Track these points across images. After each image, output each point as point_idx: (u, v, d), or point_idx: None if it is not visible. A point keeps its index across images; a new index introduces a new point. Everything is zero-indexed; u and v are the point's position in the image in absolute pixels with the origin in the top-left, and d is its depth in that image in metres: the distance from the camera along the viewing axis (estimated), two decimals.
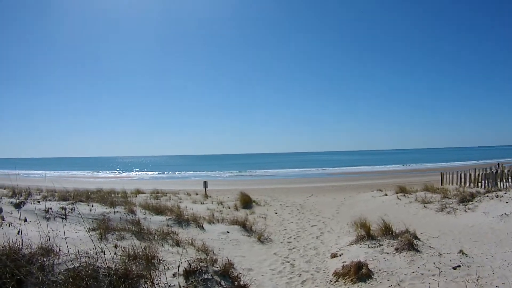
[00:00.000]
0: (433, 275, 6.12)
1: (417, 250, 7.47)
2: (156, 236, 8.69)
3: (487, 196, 13.80)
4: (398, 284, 5.76)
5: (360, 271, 6.24)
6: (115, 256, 6.33)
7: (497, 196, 13.44)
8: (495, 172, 18.97)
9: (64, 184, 21.48)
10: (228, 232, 10.26)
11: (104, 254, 6.17)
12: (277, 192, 22.33)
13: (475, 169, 21.37)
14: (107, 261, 5.43)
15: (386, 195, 17.96)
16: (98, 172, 63.80)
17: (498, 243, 8.68)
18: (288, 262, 7.87)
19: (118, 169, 73.07)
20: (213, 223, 11.30)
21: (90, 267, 4.91)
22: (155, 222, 10.42)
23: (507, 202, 12.48)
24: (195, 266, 5.94)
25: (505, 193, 13.78)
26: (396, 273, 6.27)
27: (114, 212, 11.20)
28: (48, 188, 17.65)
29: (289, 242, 9.70)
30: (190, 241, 8.52)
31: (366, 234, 8.58)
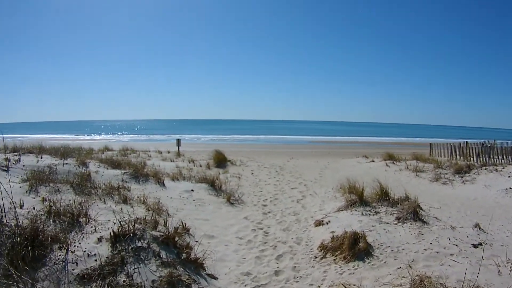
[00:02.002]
0: (451, 254, 4.56)
1: (423, 221, 5.94)
2: (99, 191, 6.89)
3: (485, 169, 12.55)
4: (410, 266, 4.15)
5: (356, 246, 4.61)
6: (32, 211, 4.65)
7: (496, 170, 12.19)
8: (490, 146, 17.83)
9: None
10: (192, 190, 8.52)
11: (22, 208, 4.73)
12: (256, 154, 20.62)
13: (466, 142, 20.20)
14: (17, 218, 3.88)
15: (373, 161, 16.54)
16: (80, 135, 61.01)
17: (510, 219, 7.30)
18: (261, 229, 6.21)
19: (100, 132, 70.19)
20: (177, 180, 9.51)
21: None
22: (108, 176, 8.62)
23: (509, 177, 11.23)
24: (128, 229, 4.16)
25: (503, 167, 12.58)
26: (403, 250, 4.68)
27: (63, 164, 9.26)
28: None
29: (264, 206, 8.04)
30: (142, 199, 6.82)
31: (358, 198, 6.98)
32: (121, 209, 5.97)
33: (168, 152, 18.33)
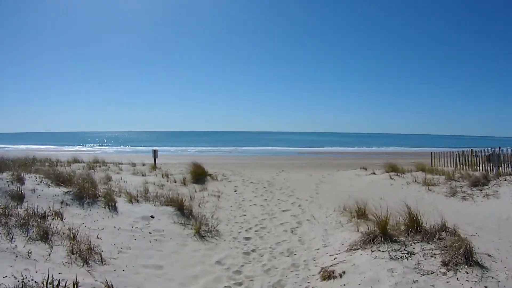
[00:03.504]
0: None
1: (481, 266, 3.96)
2: (13, 219, 4.87)
3: (506, 181, 10.73)
4: None
5: None
6: None
7: None
8: (499, 154, 16.18)
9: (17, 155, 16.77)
10: (152, 217, 6.40)
11: None
12: (241, 167, 18.49)
13: (471, 149, 18.47)
14: None
15: (374, 173, 14.59)
16: (68, 146, 58.58)
17: None
18: (240, 285, 4.10)
19: (87, 144, 67.70)
20: (137, 201, 7.36)
21: None
22: (46, 196, 6.57)
23: None
24: None
25: None
26: None
27: None
28: None
29: (247, 239, 5.93)
30: (71, 233, 4.71)
31: (379, 231, 4.96)
32: (30, 252, 3.98)
33: (143, 165, 16.09)
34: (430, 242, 4.73)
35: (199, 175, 12.12)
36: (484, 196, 9.84)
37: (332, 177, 14.70)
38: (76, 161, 16.22)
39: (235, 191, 10.54)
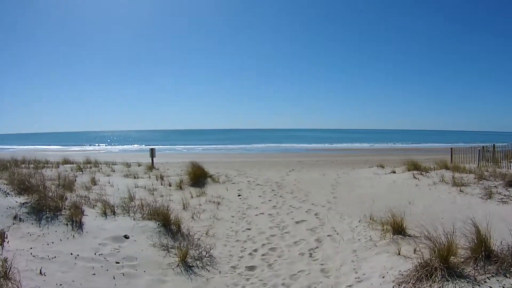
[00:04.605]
0: None
1: None
2: None
3: None
4: None
5: None
6: None
7: None
8: None
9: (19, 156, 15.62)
10: (126, 237, 4.93)
11: None
12: (247, 166, 16.96)
13: (493, 145, 16.64)
14: None
15: (395, 172, 12.93)
16: (73, 146, 58.10)
17: None
18: None
19: (94, 143, 67.06)
20: (114, 213, 5.89)
21: None
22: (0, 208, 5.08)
23: None
24: None
25: None
26: None
27: None
28: None
29: (251, 268, 4.40)
30: (2, 270, 3.26)
31: (438, 259, 3.41)
32: None
33: (139, 166, 14.65)
34: (509, 276, 3.20)
35: (199, 177, 10.64)
36: None
37: (348, 176, 13.08)
38: (66, 162, 14.83)
39: (239, 195, 9.04)
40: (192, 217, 6.46)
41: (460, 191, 9.30)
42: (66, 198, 6.03)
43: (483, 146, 16.67)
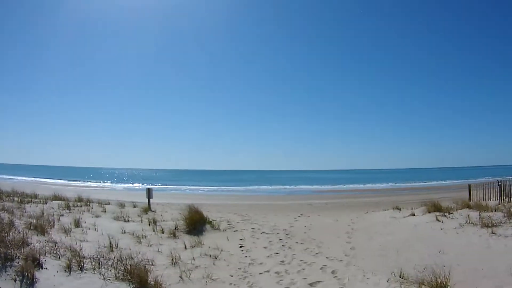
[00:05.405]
0: None
1: None
2: None
3: None
4: None
5: None
6: None
7: None
8: None
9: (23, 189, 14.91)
10: None
11: None
12: (253, 209, 15.77)
13: None
14: None
15: (414, 215, 11.71)
16: (77, 181, 58.19)
17: None
18: None
19: (100, 180, 67.23)
20: (81, 268, 4.82)
21: None
22: None
23: None
24: None
25: None
26: None
27: None
28: None
29: None
30: None
31: None
32: None
33: (134, 207, 13.56)
34: None
35: (196, 223, 9.56)
36: None
37: (363, 221, 11.89)
38: (57, 197, 13.82)
39: (241, 246, 7.88)
40: (180, 277, 5.31)
41: (492, 233, 8.16)
42: (27, 244, 5.02)
43: (501, 181, 15.47)
